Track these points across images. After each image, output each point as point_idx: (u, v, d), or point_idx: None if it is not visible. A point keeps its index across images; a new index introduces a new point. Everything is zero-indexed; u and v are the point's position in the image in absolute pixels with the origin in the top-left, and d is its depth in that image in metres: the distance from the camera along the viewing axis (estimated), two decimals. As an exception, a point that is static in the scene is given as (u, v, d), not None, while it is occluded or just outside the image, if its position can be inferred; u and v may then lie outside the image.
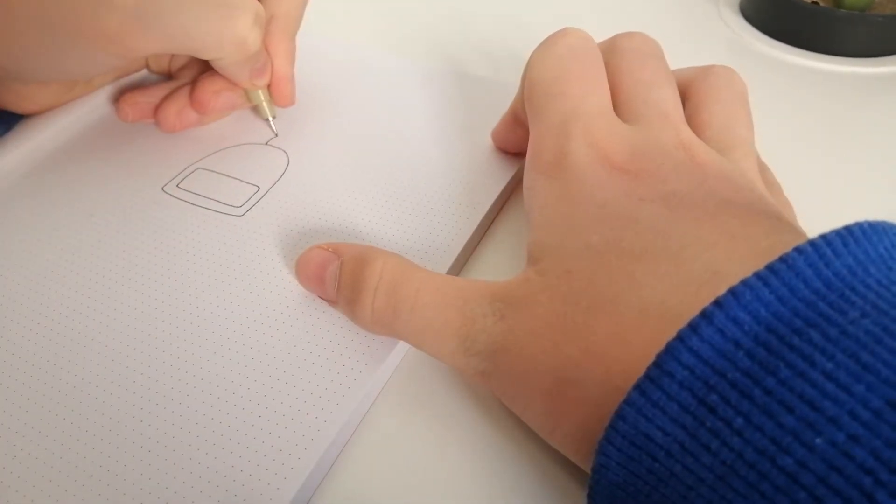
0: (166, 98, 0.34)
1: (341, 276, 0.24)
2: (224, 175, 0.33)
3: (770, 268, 0.15)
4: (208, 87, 0.33)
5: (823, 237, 0.15)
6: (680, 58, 0.41)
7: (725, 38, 0.43)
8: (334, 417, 0.23)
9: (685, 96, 0.28)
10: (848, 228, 0.16)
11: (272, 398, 0.23)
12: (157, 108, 0.34)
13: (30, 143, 0.34)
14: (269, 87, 0.34)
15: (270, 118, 0.34)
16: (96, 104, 0.37)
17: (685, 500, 0.16)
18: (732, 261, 0.17)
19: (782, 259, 0.15)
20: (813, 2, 0.41)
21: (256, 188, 0.32)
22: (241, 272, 0.28)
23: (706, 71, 0.28)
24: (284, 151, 0.34)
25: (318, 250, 0.26)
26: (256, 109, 0.35)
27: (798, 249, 0.15)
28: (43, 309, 0.27)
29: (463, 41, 0.44)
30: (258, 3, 0.30)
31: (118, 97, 0.35)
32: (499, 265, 0.30)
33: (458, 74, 0.39)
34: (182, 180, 0.32)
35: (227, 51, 0.29)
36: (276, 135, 0.34)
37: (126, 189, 0.32)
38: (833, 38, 0.39)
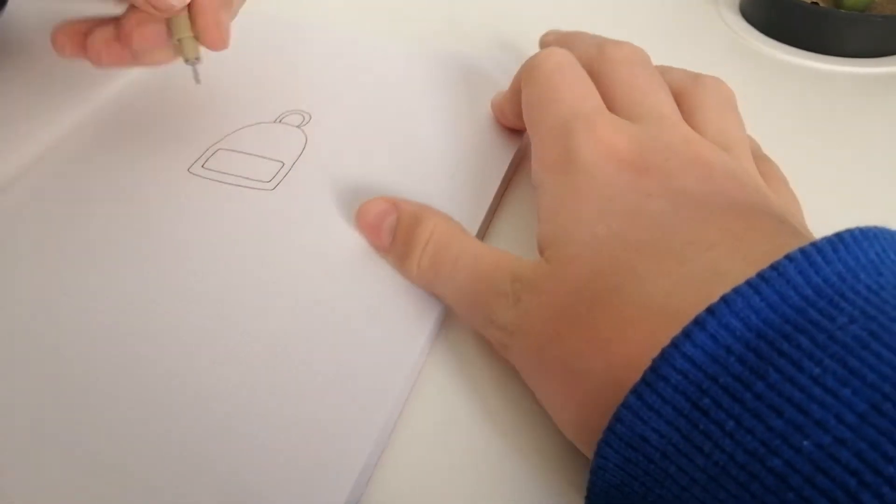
0: (94, 27, 0.31)
1: (397, 230, 0.26)
2: (245, 153, 0.34)
3: (761, 275, 0.15)
4: (132, 18, 0.30)
5: (814, 244, 0.16)
6: (680, 58, 0.41)
7: (725, 38, 0.43)
8: (385, 385, 0.24)
9: (676, 104, 0.28)
10: (839, 235, 0.16)
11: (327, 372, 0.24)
12: (86, 40, 0.31)
13: (45, 140, 0.35)
14: (192, 21, 0.30)
15: (193, 58, 0.30)
16: (99, 105, 0.37)
17: (679, 500, 0.16)
18: (734, 261, 0.17)
19: (773, 266, 0.16)
20: (813, 2, 0.41)
21: (281, 164, 0.33)
22: (282, 243, 0.29)
23: (695, 79, 0.29)
24: (301, 129, 0.35)
25: (379, 201, 0.27)
26: (180, 50, 0.31)
27: (789, 257, 0.16)
28: (85, 300, 0.27)
29: (464, 28, 0.44)
30: None
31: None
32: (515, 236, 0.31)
33: (458, 54, 0.40)
34: (206, 161, 0.33)
35: None
36: (199, 83, 0.32)
37: (152, 174, 0.33)
38: (833, 38, 0.40)
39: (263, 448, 0.23)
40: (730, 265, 0.19)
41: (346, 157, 0.33)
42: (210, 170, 0.33)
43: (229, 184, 0.32)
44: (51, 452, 0.23)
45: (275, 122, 0.35)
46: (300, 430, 0.23)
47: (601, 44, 0.30)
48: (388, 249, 0.27)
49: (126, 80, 0.38)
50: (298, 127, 0.35)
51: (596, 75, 0.29)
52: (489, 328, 0.23)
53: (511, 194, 0.33)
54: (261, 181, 0.32)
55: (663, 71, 0.31)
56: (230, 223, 0.30)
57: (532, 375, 0.22)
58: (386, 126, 0.35)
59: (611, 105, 0.27)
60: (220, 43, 0.29)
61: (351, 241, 0.29)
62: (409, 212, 0.26)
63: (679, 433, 0.16)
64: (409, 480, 0.23)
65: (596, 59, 0.29)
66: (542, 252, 0.23)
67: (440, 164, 0.33)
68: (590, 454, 0.19)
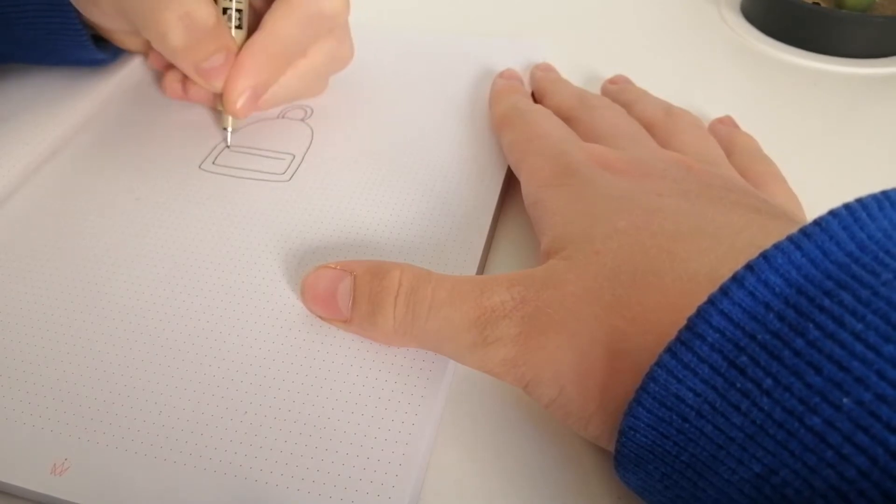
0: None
1: (356, 291, 0.24)
2: (254, 148, 0.34)
3: (803, 231, 0.15)
4: (176, 75, 0.35)
5: (859, 201, 0.16)
6: (681, 58, 0.42)
7: (726, 39, 0.44)
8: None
9: (651, 135, 0.30)
10: (885, 193, 0.16)
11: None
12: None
13: (46, 143, 0.34)
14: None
15: (226, 128, 0.34)
16: (97, 108, 0.37)
17: (714, 459, 0.16)
18: (771, 237, 0.17)
19: (816, 222, 0.15)
20: (814, 2, 0.42)
21: (292, 156, 0.33)
22: (305, 230, 0.29)
23: (667, 111, 0.32)
24: (305, 123, 0.35)
25: (325, 269, 0.25)
26: (219, 116, 0.35)
27: (832, 213, 0.16)
28: (107, 298, 0.27)
29: (458, 17, 0.44)
30: (202, 3, 0.30)
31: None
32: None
33: (454, 42, 0.41)
34: (216, 157, 0.33)
35: (151, 38, 0.30)
36: (229, 146, 0.34)
37: (164, 173, 0.32)
38: (834, 38, 0.40)
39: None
40: (768, 241, 0.18)
41: (354, 146, 0.34)
42: (221, 166, 0.33)
43: (244, 178, 0.32)
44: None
45: (277, 117, 0.36)
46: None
47: (581, 94, 0.33)
48: (351, 316, 0.24)
49: (124, 84, 0.38)
50: (303, 121, 0.35)
51: (575, 121, 0.31)
52: (483, 349, 0.21)
53: (505, 216, 0.32)
54: (275, 173, 0.32)
55: (639, 98, 0.34)
56: (250, 214, 0.30)
57: (552, 379, 0.20)
58: (386, 115, 0.36)
59: (594, 142, 0.28)
60: (234, 111, 0.32)
61: (373, 223, 0.29)
62: (366, 269, 0.24)
63: (715, 392, 0.16)
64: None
65: (576, 107, 0.32)
66: (554, 253, 0.23)
67: (442, 151, 0.33)
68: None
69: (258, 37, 0.31)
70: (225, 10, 0.32)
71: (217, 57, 0.30)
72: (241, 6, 0.32)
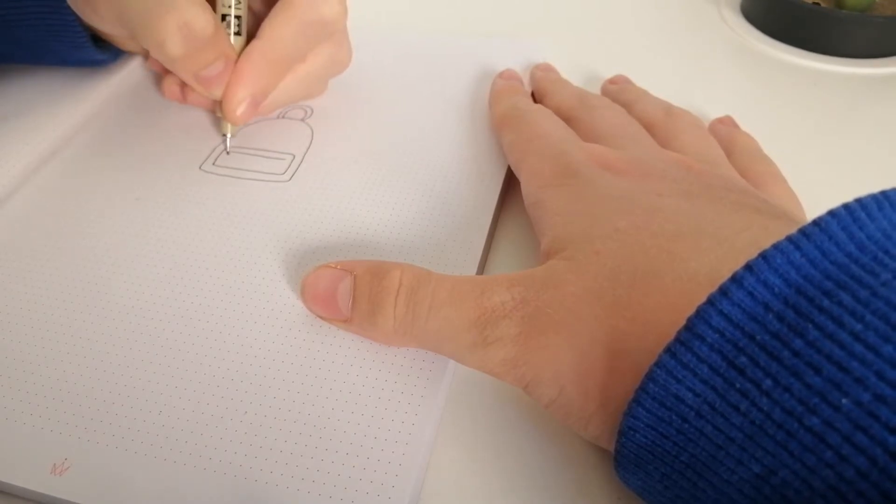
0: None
1: (356, 290, 0.24)
2: (255, 149, 0.34)
3: (803, 231, 0.15)
4: (175, 79, 0.34)
5: (858, 201, 0.16)
6: (681, 58, 0.42)
7: (726, 39, 0.44)
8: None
9: (651, 135, 0.30)
10: (884, 193, 0.16)
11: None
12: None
13: (45, 143, 0.34)
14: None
15: (225, 134, 0.34)
16: (96, 110, 0.37)
17: (714, 459, 0.16)
18: (772, 237, 0.17)
19: (815, 222, 0.15)
20: (814, 2, 0.42)
21: (292, 156, 0.33)
22: (305, 230, 0.29)
23: (667, 111, 0.32)
24: (305, 123, 0.35)
25: (326, 269, 0.25)
26: (218, 122, 0.35)
27: (832, 213, 0.16)
28: (107, 298, 0.27)
29: (457, 17, 0.44)
30: (201, 12, 0.29)
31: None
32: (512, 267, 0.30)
33: (453, 42, 0.41)
34: (216, 158, 0.33)
35: (150, 47, 0.30)
36: (228, 152, 0.34)
37: (164, 173, 0.32)
38: (834, 38, 0.40)
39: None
40: (769, 241, 0.18)
41: (354, 146, 0.34)
42: (222, 166, 0.33)
43: (244, 178, 0.32)
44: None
45: (277, 118, 0.36)
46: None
47: (581, 94, 0.33)
48: (351, 315, 0.24)
49: (124, 84, 0.38)
50: (303, 121, 0.35)
51: (576, 121, 0.31)
52: (483, 349, 0.21)
53: (505, 216, 0.32)
54: (275, 174, 0.32)
55: (639, 98, 0.34)
56: (250, 214, 0.30)
57: (553, 379, 0.20)
58: (386, 115, 0.36)
59: (594, 142, 0.28)
60: (233, 119, 0.32)
61: (373, 223, 0.29)
62: (366, 269, 0.24)
63: (715, 392, 0.16)
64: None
65: (576, 107, 0.32)
66: (555, 254, 0.23)
67: (442, 151, 0.33)
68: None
69: (257, 44, 0.31)
70: (224, 17, 0.31)
71: (216, 65, 0.30)
72: (239, 12, 0.32)
